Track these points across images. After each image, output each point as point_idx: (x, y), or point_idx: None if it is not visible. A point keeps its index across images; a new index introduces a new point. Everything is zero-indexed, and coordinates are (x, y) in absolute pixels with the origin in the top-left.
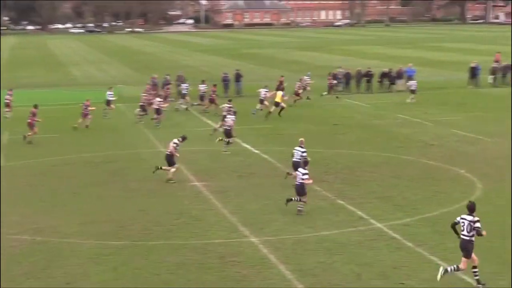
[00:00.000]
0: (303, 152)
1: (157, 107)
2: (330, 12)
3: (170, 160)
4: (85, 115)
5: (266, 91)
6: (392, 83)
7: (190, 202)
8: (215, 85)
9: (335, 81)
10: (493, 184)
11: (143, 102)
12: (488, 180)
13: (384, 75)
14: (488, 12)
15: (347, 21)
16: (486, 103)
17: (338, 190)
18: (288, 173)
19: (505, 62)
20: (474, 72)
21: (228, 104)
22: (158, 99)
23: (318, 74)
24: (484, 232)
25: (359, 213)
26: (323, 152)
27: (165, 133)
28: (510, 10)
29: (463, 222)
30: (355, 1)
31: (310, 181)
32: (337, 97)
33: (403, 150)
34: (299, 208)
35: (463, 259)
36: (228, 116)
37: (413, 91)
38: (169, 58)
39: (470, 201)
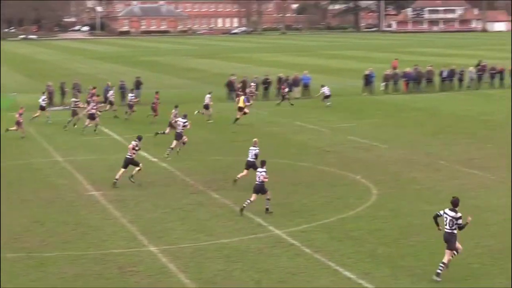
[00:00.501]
0: (256, 151)
1: (92, 112)
2: (227, 20)
3: (131, 163)
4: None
5: (209, 97)
6: (289, 90)
7: (88, 212)
8: (157, 92)
9: (286, 89)
10: (387, 189)
11: (74, 107)
12: (382, 186)
13: (280, 81)
14: (381, 20)
15: (244, 28)
16: (380, 110)
17: (236, 198)
18: (235, 180)
19: (401, 69)
20: (368, 79)
21: (175, 110)
22: (92, 104)
23: (215, 82)
24: (469, 219)
25: (258, 220)
26: (221, 160)
27: (62, 142)
28: (401, 19)
29: (445, 217)
30: (251, 9)
31: (266, 179)
32: (292, 105)
33: (300, 156)
34: (267, 207)
35: (447, 251)
36: (180, 120)
37: (327, 96)
38: (64, 66)
39: (454, 197)
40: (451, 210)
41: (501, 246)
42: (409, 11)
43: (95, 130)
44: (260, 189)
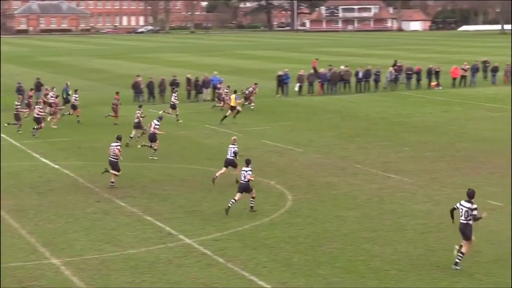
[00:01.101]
0: (234, 149)
1: (37, 116)
2: (133, 18)
3: (114, 165)
4: None
5: (176, 97)
6: (199, 92)
7: None
8: (117, 93)
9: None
10: (303, 195)
11: (17, 112)
12: (298, 191)
13: (189, 82)
14: (295, 19)
15: (151, 27)
16: (295, 112)
17: (145, 206)
18: (214, 178)
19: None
20: (282, 81)
21: (140, 109)
22: (38, 107)
23: (121, 83)
24: (484, 214)
25: (168, 229)
26: (128, 166)
27: None
28: (315, 18)
29: (461, 209)
30: (158, 7)
31: (252, 178)
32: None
33: (212, 162)
34: (251, 205)
35: (464, 241)
36: (154, 122)
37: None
38: None
39: (469, 189)
40: (466, 201)
41: (418, 251)
42: (323, 10)
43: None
44: (245, 188)
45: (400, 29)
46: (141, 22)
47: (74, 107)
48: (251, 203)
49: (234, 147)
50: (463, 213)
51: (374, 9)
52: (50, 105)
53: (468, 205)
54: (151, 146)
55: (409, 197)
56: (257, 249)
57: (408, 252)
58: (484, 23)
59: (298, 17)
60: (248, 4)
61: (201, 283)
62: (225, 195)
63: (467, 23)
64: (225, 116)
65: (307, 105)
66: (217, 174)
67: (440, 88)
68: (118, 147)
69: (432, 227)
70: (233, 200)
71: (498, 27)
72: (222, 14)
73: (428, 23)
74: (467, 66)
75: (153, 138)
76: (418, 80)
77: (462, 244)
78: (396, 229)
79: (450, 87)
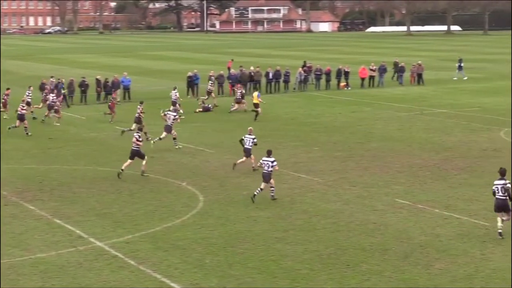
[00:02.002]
0: (253, 139)
1: (20, 113)
2: (40, 18)
3: (138, 153)
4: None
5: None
6: (109, 93)
7: None
8: (114, 91)
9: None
10: (214, 196)
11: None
12: (209, 192)
13: (98, 83)
14: (204, 20)
15: (58, 28)
16: (205, 113)
17: (54, 209)
18: (234, 164)
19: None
20: (192, 82)
21: (141, 105)
22: (21, 105)
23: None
24: None
25: (78, 232)
26: (36, 168)
27: None
28: (224, 19)
29: (496, 187)
30: (66, 7)
31: (277, 168)
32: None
33: (122, 163)
34: (272, 194)
35: (504, 213)
36: (169, 113)
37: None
38: None
39: (501, 168)
40: (499, 179)
41: (329, 250)
42: (232, 11)
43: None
44: (267, 177)
45: (309, 30)
46: (49, 23)
47: (28, 103)
48: (271, 193)
49: (251, 137)
50: (499, 189)
51: (283, 10)
52: (28, 104)
53: (502, 182)
54: (174, 138)
55: (319, 196)
56: (169, 251)
57: (319, 251)
58: (391, 24)
59: (208, 18)
60: (157, 5)
61: (112, 286)
62: (135, 197)
63: (374, 25)
64: (256, 113)
65: (217, 106)
66: (238, 162)
67: (349, 88)
68: (138, 136)
69: (342, 226)
70: (259, 189)
71: (404, 28)
72: (131, 14)
73: (336, 24)
74: (375, 67)
75: (169, 129)
76: (328, 80)
77: (502, 218)
78: (307, 229)
79: (359, 87)
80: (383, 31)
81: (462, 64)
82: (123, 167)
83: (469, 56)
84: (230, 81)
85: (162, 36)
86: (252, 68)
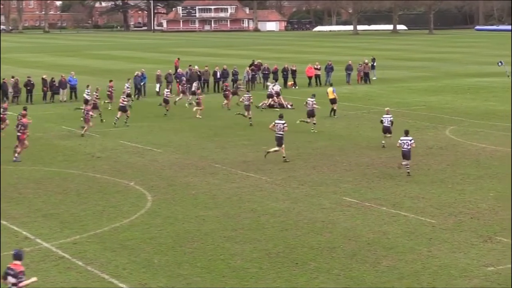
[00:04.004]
0: (390, 117)
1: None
2: None
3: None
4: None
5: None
6: (56, 93)
7: None
8: (111, 81)
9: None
10: (162, 195)
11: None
12: (157, 192)
13: (44, 83)
14: (151, 19)
15: (3, 27)
16: (153, 112)
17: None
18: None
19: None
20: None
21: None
22: (4, 105)
23: None
24: None
25: (24, 233)
26: None
27: None
28: (172, 18)
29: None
30: (11, 6)
31: (414, 145)
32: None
33: (69, 163)
34: (408, 171)
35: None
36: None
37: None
38: None
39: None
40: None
41: (278, 249)
42: (179, 10)
43: None
44: (407, 154)
45: (256, 29)
46: None
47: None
48: (407, 170)
49: (389, 117)
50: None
51: (230, 10)
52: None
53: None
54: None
55: (267, 195)
56: (117, 251)
57: (267, 249)
58: (338, 23)
59: (155, 17)
60: (103, 4)
61: (60, 287)
62: (83, 198)
63: (321, 24)
64: (333, 110)
65: (171, 105)
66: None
67: (296, 87)
68: (284, 124)
69: (291, 225)
70: (402, 164)
71: (351, 27)
72: (77, 13)
73: (283, 24)
74: (319, 66)
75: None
76: (275, 79)
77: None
78: (256, 228)
79: (306, 86)
80: (330, 30)
81: (375, 64)
82: (284, 155)
83: (415, 55)
84: (178, 80)
85: (109, 35)
86: (197, 67)
